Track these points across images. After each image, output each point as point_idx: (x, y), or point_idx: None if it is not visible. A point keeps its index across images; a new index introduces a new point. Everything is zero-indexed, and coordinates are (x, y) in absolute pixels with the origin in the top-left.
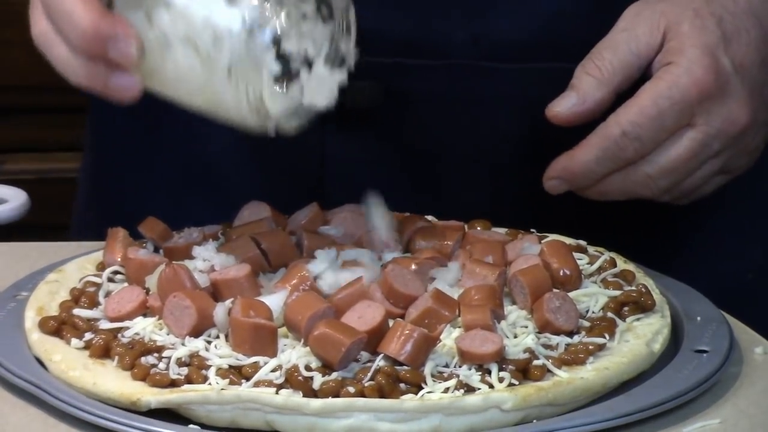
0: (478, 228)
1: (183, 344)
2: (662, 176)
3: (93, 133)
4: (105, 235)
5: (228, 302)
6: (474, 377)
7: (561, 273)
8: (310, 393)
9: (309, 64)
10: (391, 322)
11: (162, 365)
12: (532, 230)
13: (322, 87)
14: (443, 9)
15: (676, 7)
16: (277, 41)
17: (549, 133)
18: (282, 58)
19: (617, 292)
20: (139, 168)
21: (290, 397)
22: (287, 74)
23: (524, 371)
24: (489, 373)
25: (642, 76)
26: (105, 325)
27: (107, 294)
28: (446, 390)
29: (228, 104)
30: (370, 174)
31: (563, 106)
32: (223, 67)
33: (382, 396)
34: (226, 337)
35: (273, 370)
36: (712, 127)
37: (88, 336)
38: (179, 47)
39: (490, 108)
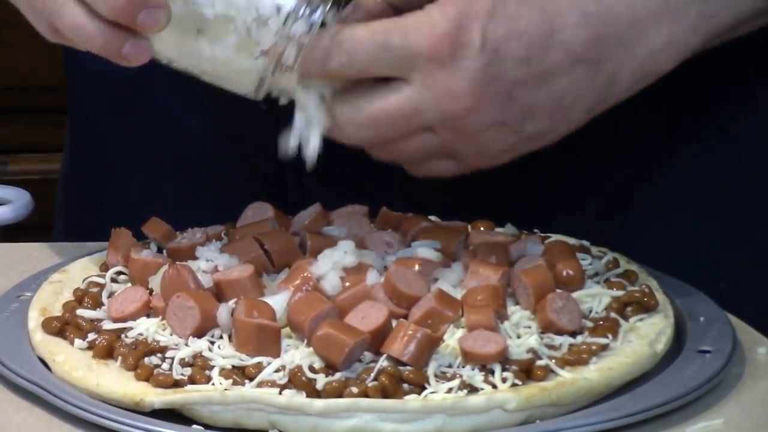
0: (482, 228)
1: (186, 345)
2: (364, 125)
3: (71, 126)
4: (88, 231)
5: (231, 303)
6: (477, 377)
7: (564, 273)
8: (314, 393)
9: None
10: (394, 323)
11: (165, 366)
12: (535, 230)
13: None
14: None
15: None
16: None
17: None
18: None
19: (620, 293)
20: (116, 155)
21: (293, 397)
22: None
23: (527, 371)
24: (492, 373)
25: None
26: (108, 325)
27: (111, 294)
28: (449, 390)
29: (240, 79)
30: (333, 160)
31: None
32: (261, 48)
33: (386, 396)
34: (230, 337)
35: (276, 371)
36: (430, 92)
37: (91, 336)
38: (215, 22)
39: None
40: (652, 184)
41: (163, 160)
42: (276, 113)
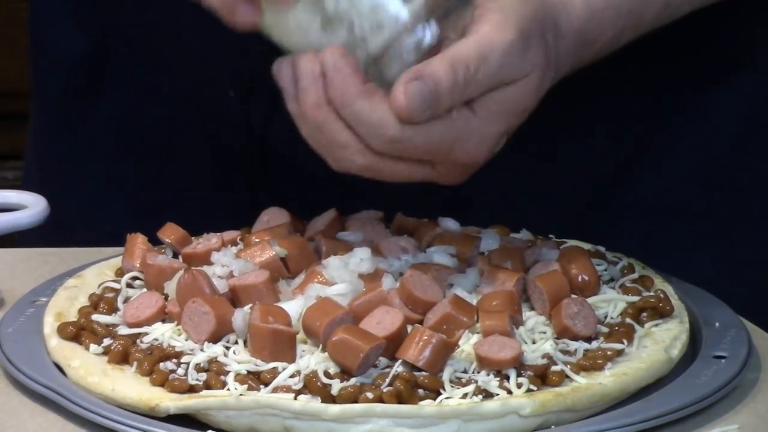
0: (497, 234)
1: (202, 350)
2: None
3: (32, 112)
4: (50, 219)
5: (247, 308)
6: (492, 383)
7: (579, 279)
8: (329, 399)
9: None
10: (409, 328)
11: (181, 371)
12: (550, 236)
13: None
14: None
15: None
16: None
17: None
18: None
19: (636, 298)
20: (75, 141)
21: (308, 402)
22: None
23: (542, 377)
24: (507, 378)
25: None
26: (124, 330)
27: (126, 300)
28: (465, 396)
29: None
30: (301, 147)
31: None
32: (372, 53)
33: (401, 402)
34: (245, 342)
35: (291, 376)
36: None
37: (106, 342)
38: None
39: None
40: (627, 187)
41: (123, 146)
42: (246, 99)
